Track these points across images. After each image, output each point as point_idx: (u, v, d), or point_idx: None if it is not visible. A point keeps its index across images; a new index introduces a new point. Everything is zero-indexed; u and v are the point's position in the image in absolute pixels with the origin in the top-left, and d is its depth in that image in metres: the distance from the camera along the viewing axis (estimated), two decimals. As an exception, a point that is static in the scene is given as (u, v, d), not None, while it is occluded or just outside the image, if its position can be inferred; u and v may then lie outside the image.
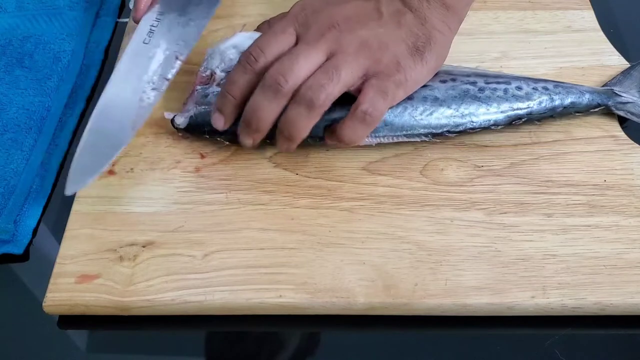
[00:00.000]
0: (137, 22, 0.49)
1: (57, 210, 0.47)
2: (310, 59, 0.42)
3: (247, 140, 0.45)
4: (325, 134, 0.45)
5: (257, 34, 0.47)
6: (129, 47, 0.47)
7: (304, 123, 0.43)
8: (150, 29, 0.48)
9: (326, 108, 0.42)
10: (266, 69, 0.43)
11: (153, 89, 0.46)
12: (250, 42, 0.46)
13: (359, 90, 0.43)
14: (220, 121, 0.45)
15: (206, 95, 0.47)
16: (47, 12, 0.57)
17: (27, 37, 0.55)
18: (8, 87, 0.52)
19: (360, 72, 0.43)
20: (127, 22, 0.57)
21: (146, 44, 0.48)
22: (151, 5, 0.49)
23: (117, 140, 0.44)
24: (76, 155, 0.43)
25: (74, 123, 0.52)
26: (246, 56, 0.44)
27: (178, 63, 0.47)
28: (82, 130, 0.51)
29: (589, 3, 0.57)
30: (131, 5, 0.58)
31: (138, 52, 0.47)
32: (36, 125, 0.50)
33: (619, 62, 0.53)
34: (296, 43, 0.44)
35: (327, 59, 0.43)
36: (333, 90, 0.42)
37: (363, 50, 0.43)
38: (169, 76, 0.47)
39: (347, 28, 0.44)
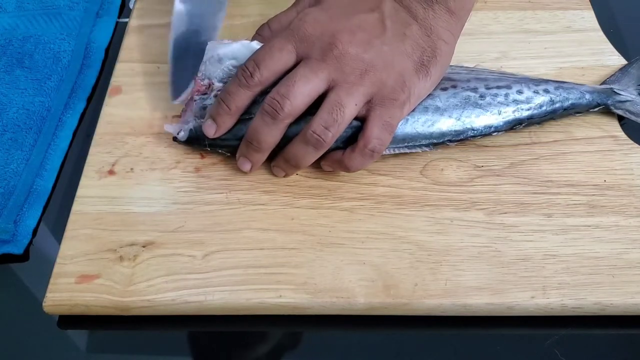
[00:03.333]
0: None
1: (57, 210, 0.47)
2: (309, 85, 0.42)
3: (245, 165, 0.45)
4: (327, 162, 0.45)
5: (257, 44, 0.46)
6: None
7: (311, 158, 0.44)
8: None
9: (330, 146, 0.43)
10: (261, 84, 0.43)
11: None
12: (249, 54, 0.45)
13: (363, 117, 0.43)
14: (212, 129, 0.45)
15: (204, 107, 0.46)
16: (47, 12, 0.57)
17: (27, 37, 0.55)
18: (8, 87, 0.52)
19: (364, 100, 0.43)
20: (127, 22, 0.57)
21: None
22: None
23: (204, 42, 0.47)
24: (170, 68, 0.48)
25: (74, 123, 0.52)
26: (242, 70, 0.44)
27: None
28: (82, 131, 0.52)
29: (589, 3, 0.57)
30: (131, 6, 0.59)
31: None
32: (36, 125, 0.50)
33: (618, 62, 0.53)
34: (297, 60, 0.43)
35: (329, 88, 0.42)
36: (338, 129, 0.42)
37: (367, 76, 0.42)
38: None
39: (350, 50, 0.42)
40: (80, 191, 0.46)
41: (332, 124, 0.42)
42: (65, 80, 0.53)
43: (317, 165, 0.47)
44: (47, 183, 0.48)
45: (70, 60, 0.54)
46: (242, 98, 0.44)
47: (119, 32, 0.59)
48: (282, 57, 0.43)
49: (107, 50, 0.57)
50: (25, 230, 0.46)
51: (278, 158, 0.45)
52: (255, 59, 0.43)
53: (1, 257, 0.45)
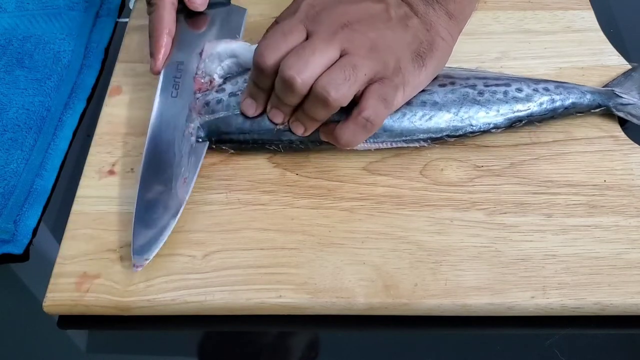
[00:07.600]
0: (156, 74, 0.48)
1: (57, 210, 0.47)
2: (325, 55, 0.42)
3: (277, 117, 0.45)
4: (322, 131, 0.45)
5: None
6: (157, 103, 0.47)
7: (321, 115, 0.43)
8: (175, 81, 0.48)
9: (342, 105, 0.42)
10: (278, 67, 0.43)
11: (193, 144, 0.46)
12: (250, 54, 0.45)
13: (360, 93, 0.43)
14: (252, 108, 0.45)
15: (207, 104, 0.46)
16: (47, 12, 0.57)
17: (27, 37, 0.55)
18: (8, 87, 0.52)
19: (371, 75, 0.42)
20: (127, 22, 0.57)
21: (174, 97, 0.47)
22: (169, 55, 0.48)
23: (172, 202, 0.43)
24: (134, 228, 0.42)
25: (74, 123, 0.52)
26: (257, 59, 0.43)
27: None
28: (82, 131, 0.52)
29: (589, 3, 0.57)
30: (131, 6, 0.59)
31: (168, 106, 0.47)
32: (36, 125, 0.50)
33: (618, 62, 0.53)
34: (306, 37, 0.43)
35: (341, 56, 0.42)
36: (349, 90, 0.41)
37: (373, 53, 0.43)
38: None
39: (358, 28, 0.43)
40: (80, 191, 0.46)
41: (342, 82, 0.41)
42: (65, 80, 0.53)
43: (317, 165, 0.47)
44: (47, 183, 0.48)
45: (70, 60, 0.54)
46: (265, 83, 0.44)
47: (119, 32, 0.59)
48: (294, 39, 0.43)
49: (107, 50, 0.57)
50: (25, 230, 0.46)
51: (298, 110, 0.44)
52: (269, 44, 0.43)
53: (1, 257, 0.45)
